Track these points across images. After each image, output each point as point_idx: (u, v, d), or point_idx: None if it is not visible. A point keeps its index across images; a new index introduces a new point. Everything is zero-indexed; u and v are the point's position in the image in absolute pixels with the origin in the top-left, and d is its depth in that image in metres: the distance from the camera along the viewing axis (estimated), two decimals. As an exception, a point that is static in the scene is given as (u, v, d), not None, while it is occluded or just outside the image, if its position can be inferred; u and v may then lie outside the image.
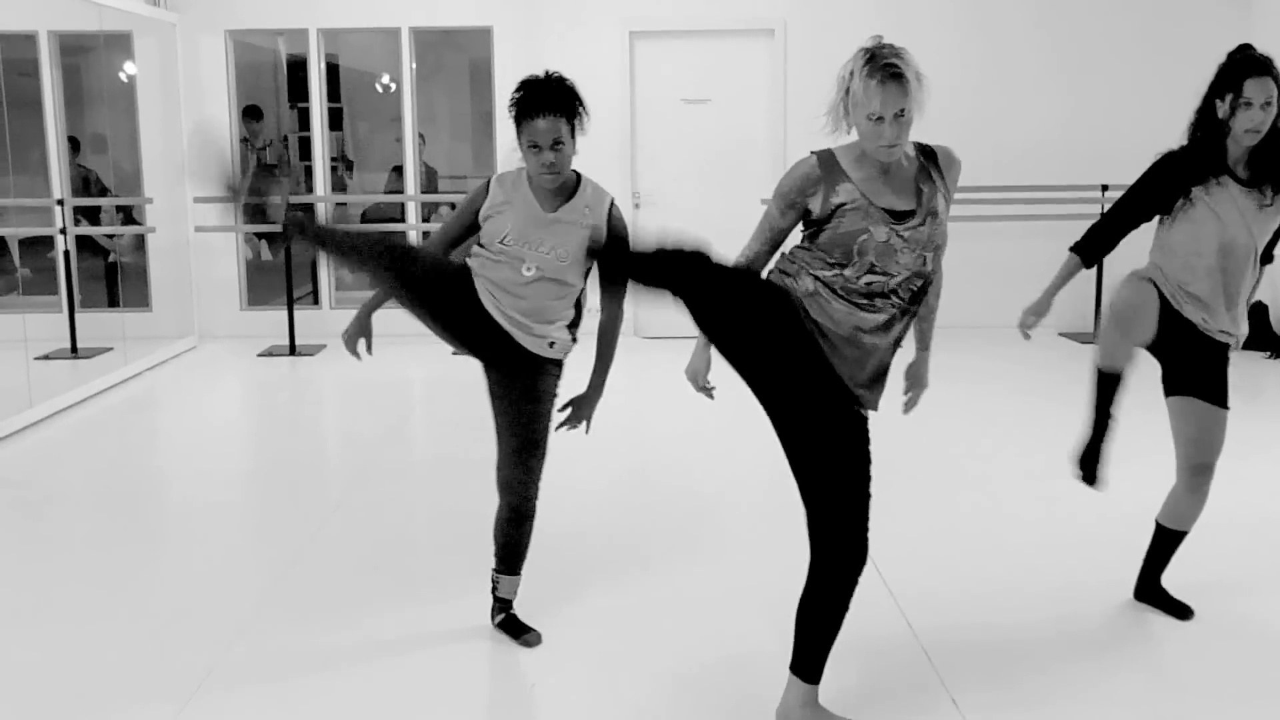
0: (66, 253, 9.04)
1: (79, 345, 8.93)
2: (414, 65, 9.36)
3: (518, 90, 3.43)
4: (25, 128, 8.96)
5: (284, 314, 9.08)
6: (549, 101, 3.38)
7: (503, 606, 3.82)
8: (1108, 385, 3.77)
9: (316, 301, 9.67)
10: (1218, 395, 3.62)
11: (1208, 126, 3.55)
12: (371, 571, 4.42)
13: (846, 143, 2.95)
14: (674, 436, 6.48)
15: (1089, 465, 3.80)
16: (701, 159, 9.37)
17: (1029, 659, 3.59)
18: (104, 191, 10.78)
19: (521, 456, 3.59)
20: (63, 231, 9.01)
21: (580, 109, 3.46)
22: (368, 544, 4.75)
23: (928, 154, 3.01)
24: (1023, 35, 9.25)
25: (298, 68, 12.08)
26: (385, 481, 5.71)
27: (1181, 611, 3.85)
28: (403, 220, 9.77)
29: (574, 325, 3.62)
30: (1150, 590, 3.92)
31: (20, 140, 9.75)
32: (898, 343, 2.98)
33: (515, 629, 3.77)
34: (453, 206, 10.07)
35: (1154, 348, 3.69)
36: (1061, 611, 3.95)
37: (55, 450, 6.49)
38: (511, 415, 3.58)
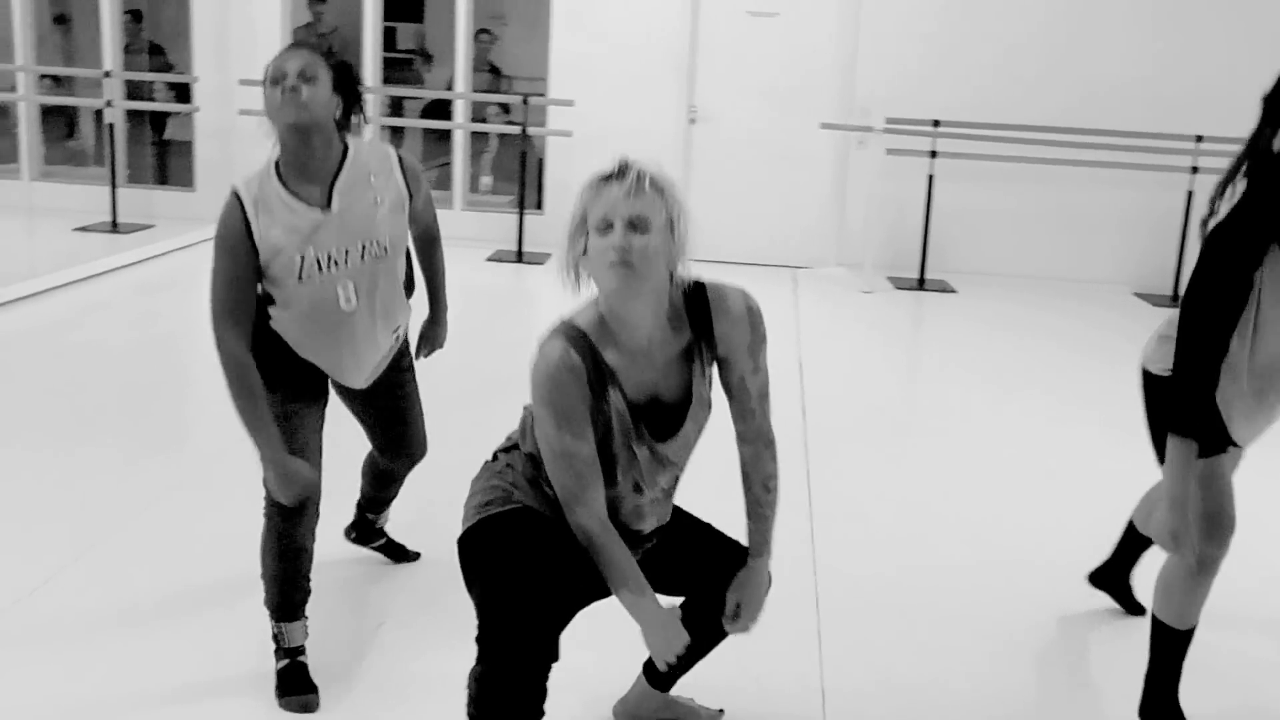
0: (111, 126, 8.92)
1: (120, 220, 8.84)
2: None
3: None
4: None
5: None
6: (302, 43, 2.84)
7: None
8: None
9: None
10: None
11: (1261, 166, 2.49)
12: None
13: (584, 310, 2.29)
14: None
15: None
16: (765, 76, 8.86)
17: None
18: (169, 67, 10.68)
19: (406, 441, 3.20)
20: (108, 104, 8.89)
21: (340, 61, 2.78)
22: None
23: (696, 304, 2.29)
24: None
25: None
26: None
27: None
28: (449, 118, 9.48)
29: (409, 286, 3.02)
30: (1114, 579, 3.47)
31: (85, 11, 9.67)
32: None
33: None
34: (505, 109, 9.72)
35: None
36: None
37: (87, 313, 6.39)
38: (384, 417, 3.14)
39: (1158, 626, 2.75)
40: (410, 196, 2.84)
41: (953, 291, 8.28)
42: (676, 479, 2.41)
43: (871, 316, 7.56)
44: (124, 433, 4.81)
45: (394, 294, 2.86)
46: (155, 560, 3.55)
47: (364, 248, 2.73)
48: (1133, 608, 3.46)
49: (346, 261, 2.71)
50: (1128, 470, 3.61)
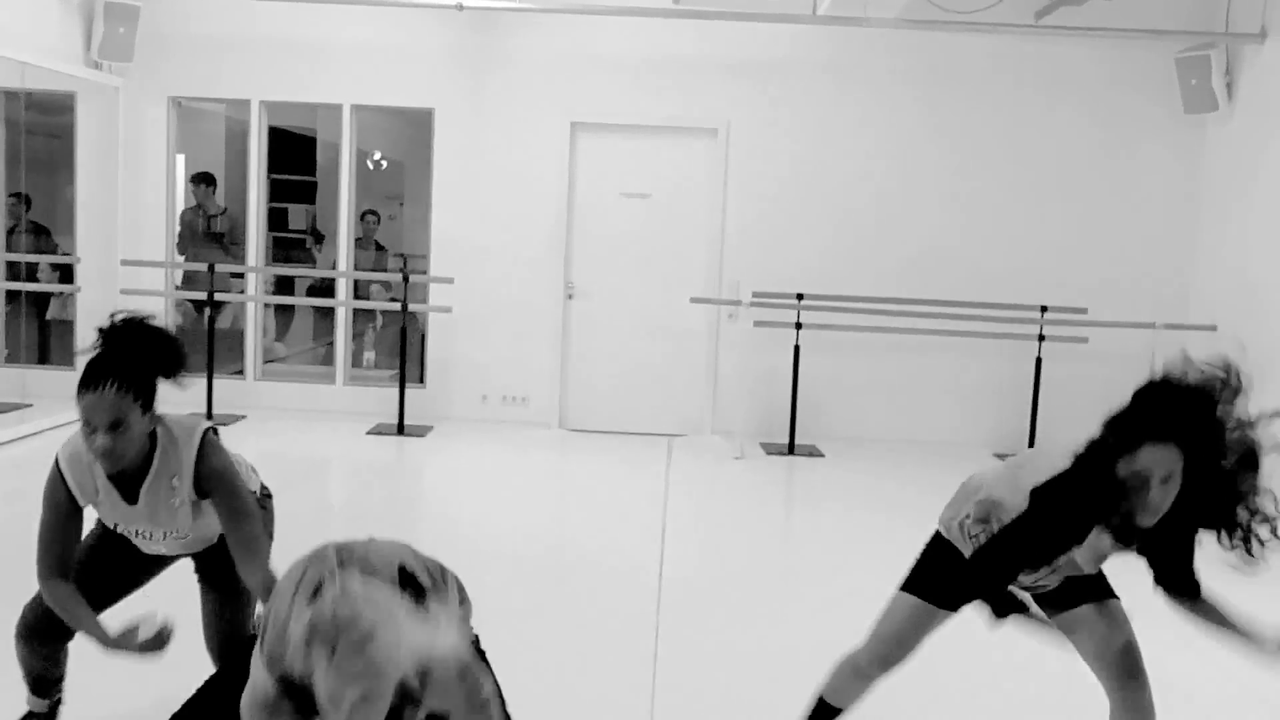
0: (-12, 307, 9.00)
1: (-4, 400, 8.85)
2: (354, 141, 9.35)
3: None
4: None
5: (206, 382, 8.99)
6: (105, 370, 2.79)
7: None
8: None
9: (240, 372, 9.55)
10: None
11: (1105, 479, 2.60)
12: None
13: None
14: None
15: None
16: (638, 253, 9.25)
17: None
18: (54, 247, 10.78)
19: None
20: (-13, 286, 8.98)
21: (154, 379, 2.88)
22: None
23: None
24: (972, 148, 9.13)
25: (284, 138, 12.12)
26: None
27: None
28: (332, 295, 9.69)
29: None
30: None
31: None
32: None
33: None
34: (387, 286, 10.00)
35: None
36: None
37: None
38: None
39: (818, 699, 3.28)
40: (200, 498, 2.97)
41: (821, 456, 8.57)
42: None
43: (740, 482, 7.80)
44: None
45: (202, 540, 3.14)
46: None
47: (166, 534, 3.05)
48: None
49: (152, 537, 3.07)
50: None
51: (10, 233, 9.79)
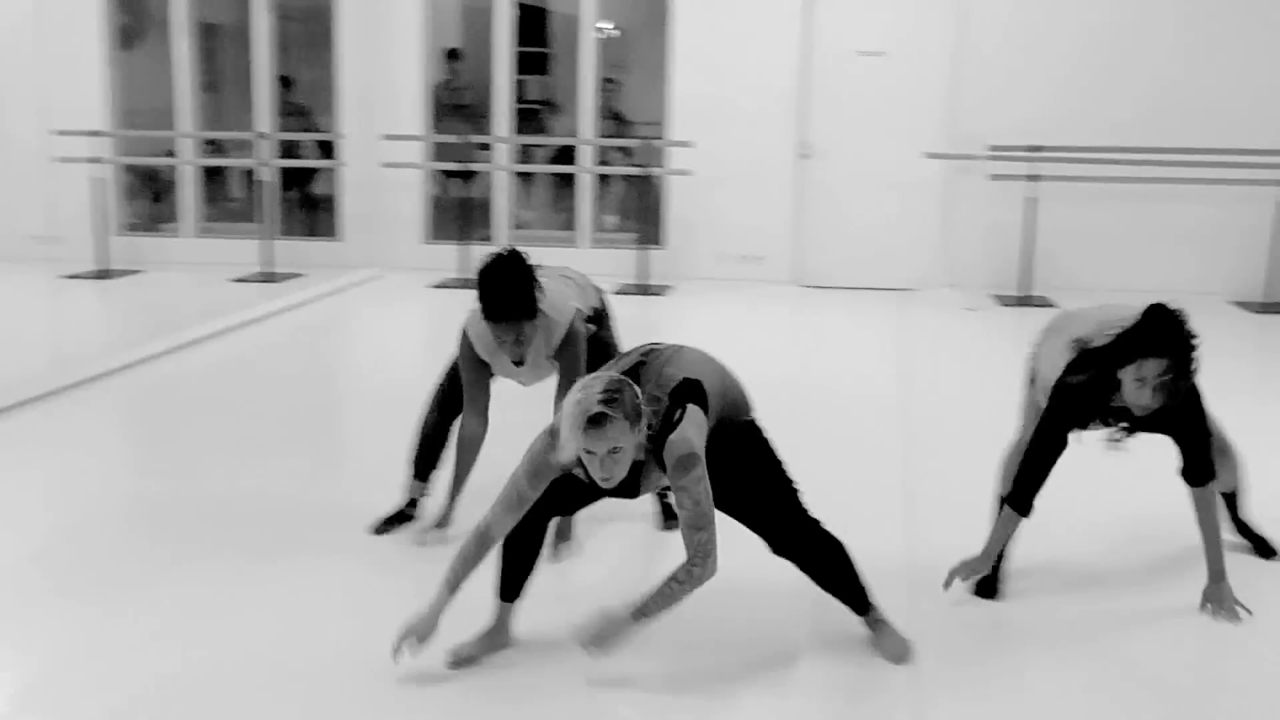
0: (262, 184, 9.77)
1: (274, 270, 9.65)
2: (595, 10, 9.71)
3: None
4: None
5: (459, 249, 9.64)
6: (504, 310, 3.65)
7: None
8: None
9: (489, 239, 10.12)
10: None
11: (1105, 377, 3.42)
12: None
13: None
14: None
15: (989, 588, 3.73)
16: (871, 111, 9.36)
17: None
18: (313, 126, 11.54)
19: None
20: (262, 165, 9.75)
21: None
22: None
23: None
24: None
25: (525, 11, 12.52)
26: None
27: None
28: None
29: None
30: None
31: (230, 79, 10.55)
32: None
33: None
34: (626, 152, 10.36)
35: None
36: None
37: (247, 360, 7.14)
38: None
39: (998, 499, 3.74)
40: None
41: (1053, 306, 8.62)
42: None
43: (973, 332, 7.99)
44: (304, 448, 5.47)
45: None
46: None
47: (530, 378, 4.06)
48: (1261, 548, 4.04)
49: (522, 379, 4.07)
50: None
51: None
